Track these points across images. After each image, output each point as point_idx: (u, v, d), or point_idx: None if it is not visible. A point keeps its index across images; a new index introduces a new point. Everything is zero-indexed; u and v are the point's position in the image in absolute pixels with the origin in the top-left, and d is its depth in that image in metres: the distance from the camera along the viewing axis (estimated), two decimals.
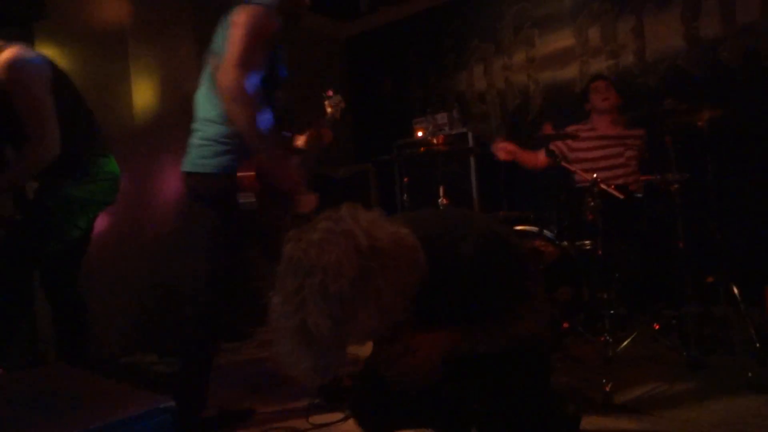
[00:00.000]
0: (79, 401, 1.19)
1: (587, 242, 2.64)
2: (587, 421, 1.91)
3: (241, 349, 3.36)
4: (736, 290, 2.51)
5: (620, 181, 2.76)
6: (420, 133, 4.16)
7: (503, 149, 3.07)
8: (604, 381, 2.05)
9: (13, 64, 1.96)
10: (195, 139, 2.04)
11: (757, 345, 2.37)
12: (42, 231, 2.11)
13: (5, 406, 1.18)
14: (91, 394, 1.25)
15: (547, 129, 2.85)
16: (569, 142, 3.10)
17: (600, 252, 2.57)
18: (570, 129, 3.08)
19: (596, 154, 3.06)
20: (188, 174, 2.03)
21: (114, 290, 3.29)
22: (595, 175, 2.39)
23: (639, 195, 2.58)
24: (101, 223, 3.22)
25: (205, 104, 2.02)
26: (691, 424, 1.82)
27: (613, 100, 3.08)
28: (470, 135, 4.03)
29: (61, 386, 1.33)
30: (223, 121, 1.95)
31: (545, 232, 2.81)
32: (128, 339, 3.30)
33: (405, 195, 3.64)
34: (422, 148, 3.06)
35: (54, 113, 2.02)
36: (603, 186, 2.39)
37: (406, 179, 3.63)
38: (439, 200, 3.04)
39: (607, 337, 2.30)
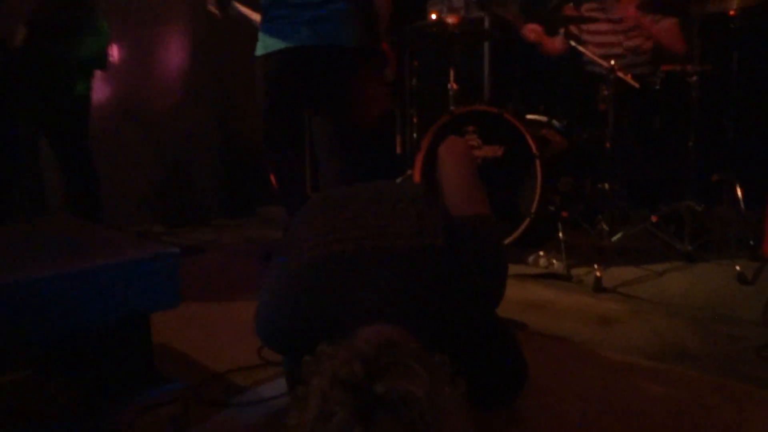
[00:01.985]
0: (84, 245, 1.23)
1: (596, 133, 2.59)
2: (577, 301, 1.99)
3: (245, 225, 3.43)
4: (739, 190, 2.51)
5: (636, 71, 2.65)
6: (434, 16, 3.95)
7: (533, 30, 2.92)
8: (595, 266, 2.11)
9: None
10: (327, 11, 2.11)
11: (751, 242, 2.41)
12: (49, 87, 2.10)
13: (7, 250, 1.22)
14: (95, 240, 1.30)
15: (569, 11, 2.70)
16: (586, 26, 2.94)
17: (608, 144, 2.54)
18: (586, 9, 2.91)
19: (612, 39, 2.90)
20: (322, 47, 2.13)
21: (119, 163, 3.30)
22: (612, 62, 2.30)
23: (656, 87, 2.49)
24: (107, 95, 3.19)
25: None
26: (675, 308, 1.89)
27: None
28: (487, 19, 3.83)
29: (66, 233, 1.37)
30: None
31: (554, 122, 2.76)
32: (134, 211, 3.36)
33: (414, 79, 3.53)
34: (434, 29, 2.92)
35: None
36: (620, 74, 2.30)
37: (416, 63, 3.49)
38: (449, 85, 2.95)
39: (604, 227, 2.33)
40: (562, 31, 2.72)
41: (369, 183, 1.32)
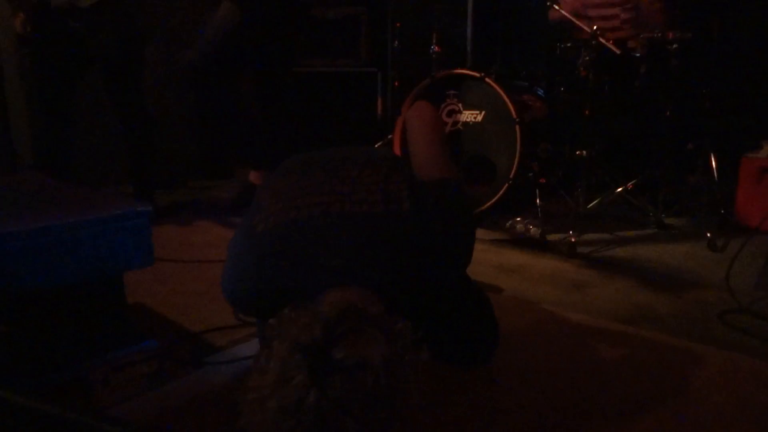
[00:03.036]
0: (54, 203, 1.21)
1: (576, 100, 2.59)
2: (551, 266, 2.03)
3: (224, 186, 3.39)
4: (713, 159, 2.55)
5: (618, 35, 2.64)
6: None
7: None
8: (570, 232, 2.15)
9: None
10: None
11: (722, 211, 2.47)
12: None
13: None
14: (68, 197, 1.27)
15: None
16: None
17: (587, 111, 2.54)
18: None
19: (596, 11, 2.88)
20: None
21: (93, 122, 3.21)
22: (595, 27, 2.28)
23: (637, 54, 2.48)
24: None
25: None
26: (645, 272, 1.94)
27: None
28: None
29: (36, 190, 1.34)
30: None
31: (536, 87, 2.75)
32: (108, 171, 3.28)
33: (396, 41, 3.47)
34: None
35: None
36: (601, 40, 2.29)
37: (398, 24, 3.43)
38: (432, 47, 2.91)
39: (580, 194, 2.36)
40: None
41: (339, 148, 1.31)
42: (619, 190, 2.44)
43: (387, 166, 1.16)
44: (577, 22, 2.48)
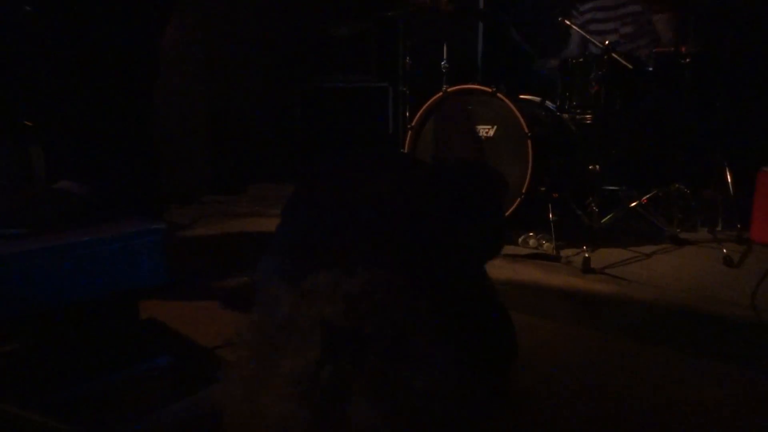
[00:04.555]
0: (70, 219, 1.22)
1: (588, 115, 2.58)
2: (564, 282, 2.01)
3: (234, 202, 3.42)
4: (728, 173, 2.52)
5: (630, 51, 2.64)
6: None
7: None
8: (584, 247, 2.13)
9: None
10: None
11: (738, 226, 2.44)
12: None
13: None
14: (84, 212, 1.28)
15: None
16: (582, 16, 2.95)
17: (599, 126, 2.53)
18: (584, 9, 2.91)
19: (609, 26, 2.91)
20: None
21: None
22: (607, 42, 2.28)
23: (649, 68, 2.48)
24: None
25: None
26: (661, 290, 1.91)
27: None
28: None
29: (53, 205, 1.35)
30: None
31: (547, 102, 2.75)
32: None
33: (407, 57, 3.48)
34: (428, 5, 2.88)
35: None
36: (614, 55, 2.29)
37: (409, 41, 3.45)
38: (443, 63, 2.92)
39: (594, 208, 2.34)
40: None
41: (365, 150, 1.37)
42: (633, 204, 2.42)
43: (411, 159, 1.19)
44: (589, 38, 2.48)
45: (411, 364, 0.70)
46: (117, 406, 1.07)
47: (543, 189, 2.49)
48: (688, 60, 2.28)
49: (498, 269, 2.13)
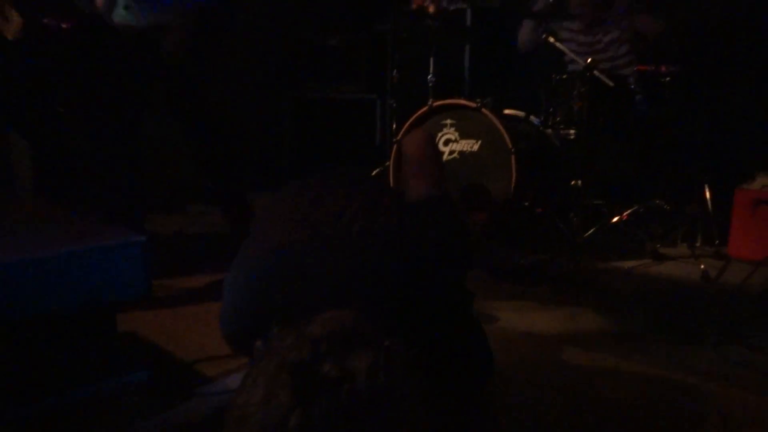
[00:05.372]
0: (49, 230, 1.22)
1: (571, 131, 2.62)
2: (548, 296, 2.03)
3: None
4: (707, 190, 2.57)
5: (612, 67, 2.68)
6: (415, 5, 3.94)
7: None
8: (567, 262, 2.15)
9: None
10: None
11: (716, 242, 2.48)
12: None
13: None
14: (61, 225, 1.28)
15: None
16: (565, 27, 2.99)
17: (581, 142, 2.57)
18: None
19: (590, 38, 2.93)
20: None
21: None
22: (589, 60, 2.32)
23: (631, 86, 2.52)
24: None
25: None
26: (641, 302, 1.94)
27: None
28: (469, 12, 3.83)
29: (31, 217, 1.35)
30: None
31: (531, 117, 2.78)
32: None
33: (395, 70, 3.51)
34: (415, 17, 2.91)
35: None
36: (595, 72, 2.33)
37: (396, 54, 3.48)
38: (429, 77, 2.95)
39: (576, 223, 2.37)
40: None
41: (332, 171, 1.34)
42: (615, 219, 2.45)
43: (378, 187, 1.19)
44: (571, 55, 2.53)
45: (380, 402, 0.71)
46: (92, 421, 1.06)
47: (526, 204, 2.51)
48: (668, 79, 2.32)
49: (480, 283, 2.14)
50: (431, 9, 2.85)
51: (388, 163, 3.01)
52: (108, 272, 1.10)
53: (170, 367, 1.40)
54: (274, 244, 1.05)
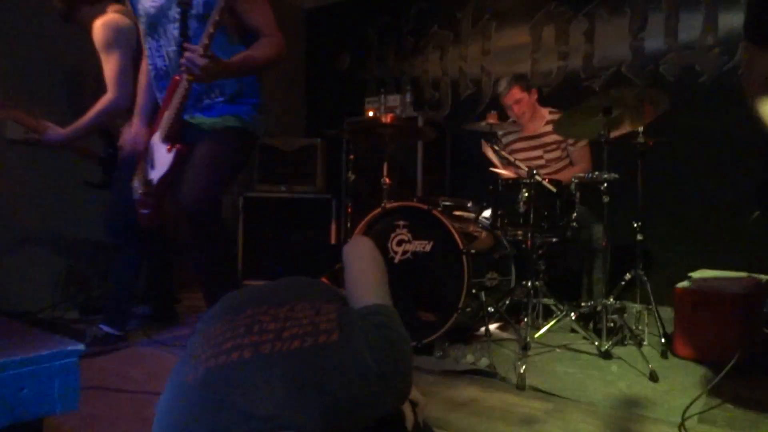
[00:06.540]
0: None
1: (519, 232, 2.73)
2: (501, 399, 2.00)
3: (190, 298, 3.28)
4: (649, 289, 2.67)
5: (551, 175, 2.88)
6: (371, 113, 4.17)
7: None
8: (518, 363, 2.15)
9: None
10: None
11: (662, 341, 2.54)
12: None
13: None
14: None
15: (492, 118, 2.93)
16: (511, 147, 3.30)
17: (528, 243, 2.68)
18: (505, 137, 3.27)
19: (533, 154, 3.24)
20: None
21: (37, 243, 3.15)
22: (528, 167, 2.48)
23: (572, 191, 2.68)
24: (29, 173, 3.09)
25: None
26: (593, 406, 1.93)
27: (524, 105, 3.24)
28: (420, 119, 4.07)
29: None
30: None
31: (481, 218, 2.89)
32: (50, 295, 3.18)
33: (350, 172, 3.63)
34: (370, 125, 3.06)
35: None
36: (538, 178, 2.48)
37: (351, 156, 3.62)
38: (382, 180, 3.06)
39: (527, 323, 2.40)
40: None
41: (277, 281, 1.35)
42: (565, 319, 2.50)
43: (321, 298, 1.19)
44: (510, 168, 2.71)
45: None
46: None
47: (478, 304, 2.54)
48: (604, 185, 2.48)
49: (434, 386, 2.10)
50: (385, 118, 3.02)
51: (339, 265, 3.02)
52: (37, 387, 1.03)
53: None
54: (213, 365, 1.03)
